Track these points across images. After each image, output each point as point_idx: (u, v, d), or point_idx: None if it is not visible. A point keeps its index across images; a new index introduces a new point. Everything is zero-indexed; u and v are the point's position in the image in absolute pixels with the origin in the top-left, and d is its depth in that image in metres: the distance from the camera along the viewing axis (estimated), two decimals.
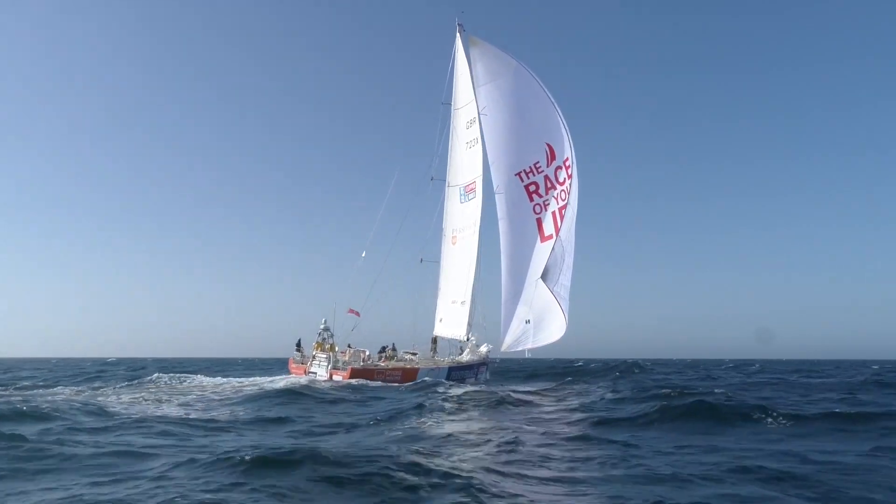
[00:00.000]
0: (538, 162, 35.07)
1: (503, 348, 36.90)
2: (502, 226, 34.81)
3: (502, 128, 35.06)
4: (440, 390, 20.91)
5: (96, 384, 23.65)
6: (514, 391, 20.61)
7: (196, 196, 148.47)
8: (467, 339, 31.64)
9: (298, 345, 29.35)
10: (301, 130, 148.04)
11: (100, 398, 16.94)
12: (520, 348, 36.28)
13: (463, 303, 31.09)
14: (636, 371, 37.84)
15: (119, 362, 61.23)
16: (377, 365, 27.89)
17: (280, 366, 34.44)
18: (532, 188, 35.25)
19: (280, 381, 24.84)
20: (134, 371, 36.75)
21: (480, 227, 33.06)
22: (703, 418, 11.71)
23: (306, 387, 21.53)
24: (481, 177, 32.26)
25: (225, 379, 26.08)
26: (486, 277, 33.39)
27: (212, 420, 12.53)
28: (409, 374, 28.27)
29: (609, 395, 18.15)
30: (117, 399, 16.78)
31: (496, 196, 35.60)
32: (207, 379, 26.03)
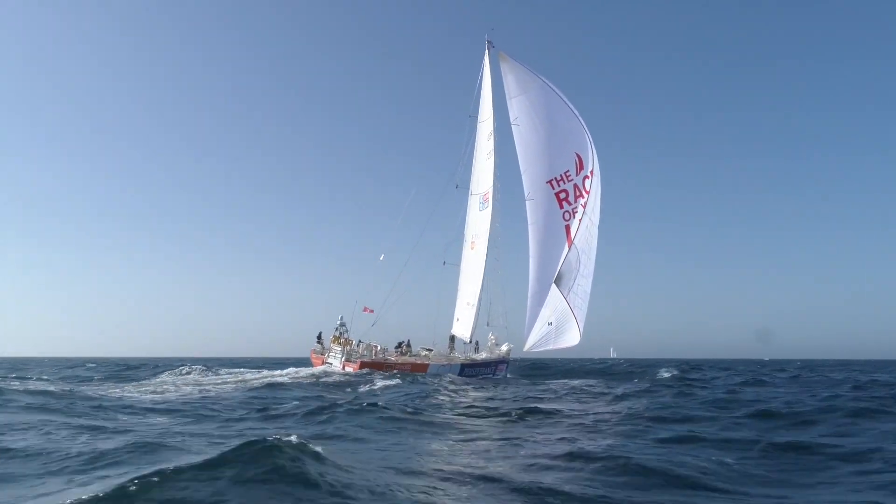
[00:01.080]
0: (568, 171, 36.67)
1: (525, 348, 38.68)
2: (532, 231, 36.50)
3: (534, 137, 36.73)
4: (433, 385, 22.54)
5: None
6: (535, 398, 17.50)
7: (230, 208, 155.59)
8: (471, 341, 33.56)
9: (319, 337, 32.19)
10: (329, 141, 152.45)
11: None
12: (541, 349, 38.01)
13: (472, 305, 33.04)
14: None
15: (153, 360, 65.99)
16: (387, 359, 30.30)
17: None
18: (563, 195, 36.87)
19: (287, 373, 27.60)
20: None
21: (499, 233, 34.99)
22: None
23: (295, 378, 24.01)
24: (492, 187, 34.06)
25: (246, 370, 29.23)
26: (511, 280, 35.20)
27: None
28: (417, 368, 30.54)
29: None
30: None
31: (527, 202, 37.37)
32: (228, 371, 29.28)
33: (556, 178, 36.91)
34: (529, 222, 37.31)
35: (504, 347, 38.59)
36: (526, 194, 37.42)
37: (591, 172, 36.05)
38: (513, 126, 37.45)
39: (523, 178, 37.53)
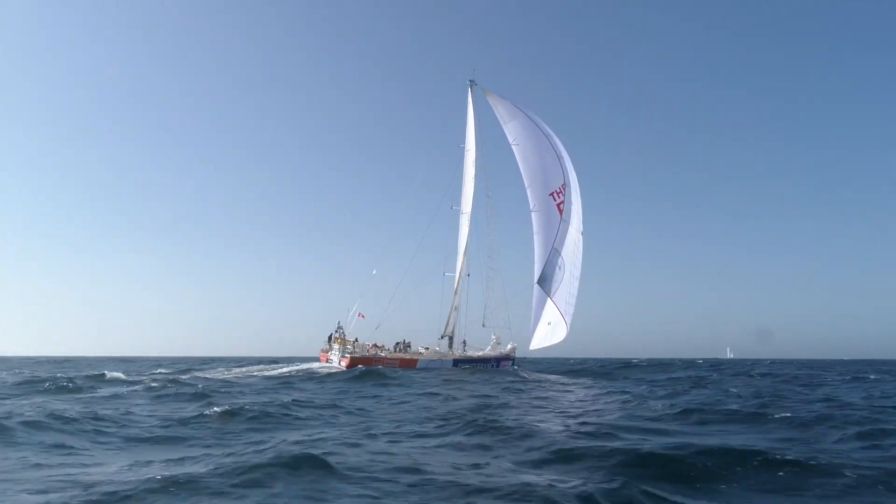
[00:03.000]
0: (563, 184, 41.40)
1: (531, 347, 43.50)
2: (537, 239, 41.30)
3: (533, 155, 41.71)
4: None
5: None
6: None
7: (250, 222, 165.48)
8: (444, 338, 38.82)
9: (329, 338, 38.83)
10: (335, 159, 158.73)
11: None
12: (542, 346, 42.67)
13: (456, 308, 38.44)
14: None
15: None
16: (377, 355, 36.35)
17: None
18: (562, 206, 41.63)
19: (296, 367, 34.47)
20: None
21: (497, 243, 40.26)
22: None
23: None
24: (471, 206, 39.35)
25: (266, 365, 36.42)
26: (519, 287, 40.13)
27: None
28: (406, 363, 36.32)
29: None
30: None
31: (532, 214, 42.37)
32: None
33: (555, 191, 41.64)
34: (535, 232, 42.11)
35: (508, 346, 43.53)
36: (531, 206, 42.33)
37: (563, 186, 40.43)
38: (513, 146, 42.63)
39: (528, 192, 42.48)
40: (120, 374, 26.24)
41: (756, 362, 70.58)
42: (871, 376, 30.18)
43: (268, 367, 34.33)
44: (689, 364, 54.86)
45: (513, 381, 24.46)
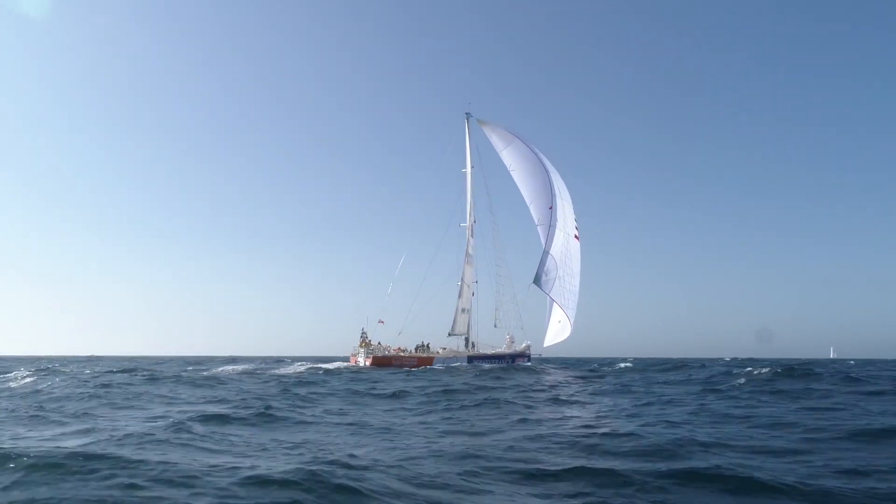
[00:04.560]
0: (556, 197, 46.45)
1: (545, 344, 48.41)
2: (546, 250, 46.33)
3: (531, 176, 46.91)
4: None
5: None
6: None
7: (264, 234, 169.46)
8: (450, 336, 44.03)
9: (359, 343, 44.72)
10: (348, 187, 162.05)
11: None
12: (553, 343, 47.52)
13: (465, 311, 43.68)
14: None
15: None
16: (397, 354, 41.88)
17: None
18: (556, 215, 46.67)
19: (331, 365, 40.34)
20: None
21: (503, 251, 45.44)
22: None
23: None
24: (473, 220, 44.67)
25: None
26: (529, 292, 45.18)
27: None
28: (424, 361, 41.69)
29: None
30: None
31: (538, 228, 47.47)
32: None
33: (552, 206, 46.73)
34: (542, 243, 47.13)
35: (522, 345, 48.46)
36: (536, 221, 47.44)
37: (553, 198, 45.36)
38: (511, 171, 47.97)
39: (531, 208, 47.63)
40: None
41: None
42: None
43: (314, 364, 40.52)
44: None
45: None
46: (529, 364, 46.05)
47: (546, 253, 44.65)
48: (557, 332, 47.82)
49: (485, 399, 15.05)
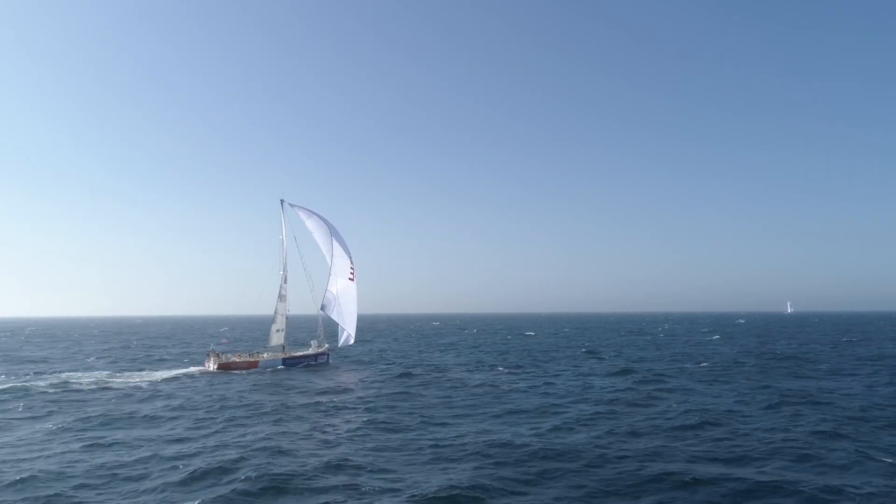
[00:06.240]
0: (334, 256, 71.94)
1: (339, 346, 74.35)
2: (327, 288, 71.33)
3: (322, 240, 71.83)
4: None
5: None
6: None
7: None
8: (281, 345, 68.68)
9: (207, 355, 67.48)
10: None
11: None
12: (342, 346, 73.66)
13: (279, 330, 68.37)
14: None
15: None
16: (234, 361, 65.39)
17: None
18: (352, 271, 72.42)
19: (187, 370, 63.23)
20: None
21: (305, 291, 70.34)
22: None
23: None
24: (283, 270, 69.23)
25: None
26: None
27: None
28: (252, 365, 65.48)
29: None
30: None
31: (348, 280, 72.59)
32: None
33: (351, 267, 72.38)
34: (326, 285, 72.26)
35: (324, 346, 74.10)
36: (349, 275, 72.76)
37: (331, 251, 71.21)
38: (313, 234, 72.87)
39: (326, 257, 72.84)
40: None
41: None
42: None
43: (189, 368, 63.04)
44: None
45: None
46: (327, 361, 71.46)
47: (327, 289, 70.48)
48: (346, 339, 74.28)
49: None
